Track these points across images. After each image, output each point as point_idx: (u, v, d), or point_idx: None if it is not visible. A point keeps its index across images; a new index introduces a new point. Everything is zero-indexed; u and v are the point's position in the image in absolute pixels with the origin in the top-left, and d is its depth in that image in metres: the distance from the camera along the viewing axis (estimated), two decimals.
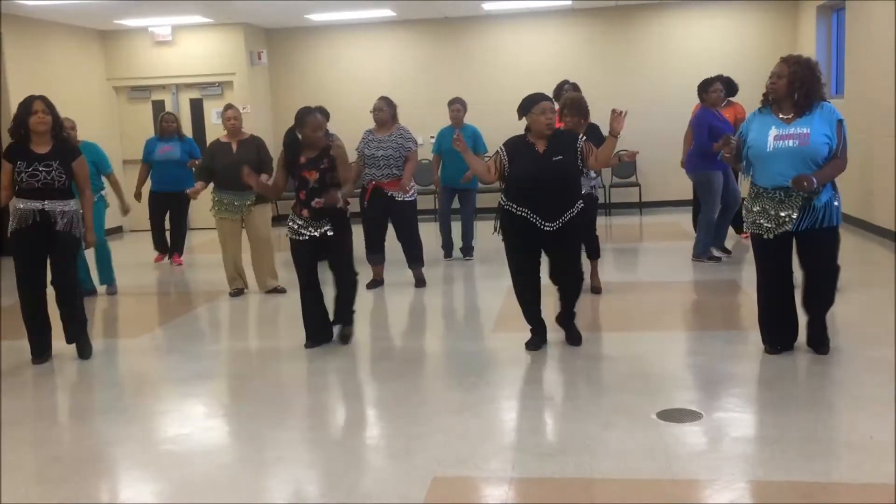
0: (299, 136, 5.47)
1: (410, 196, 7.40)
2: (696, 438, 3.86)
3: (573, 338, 5.39)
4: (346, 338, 5.69)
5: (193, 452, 4.00)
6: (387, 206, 7.29)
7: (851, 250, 8.43)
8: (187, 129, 11.92)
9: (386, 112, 7.33)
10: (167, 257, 9.45)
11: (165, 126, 9.21)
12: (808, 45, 11.38)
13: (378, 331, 6.37)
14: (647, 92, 12.30)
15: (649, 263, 8.53)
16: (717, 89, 7.65)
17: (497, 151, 5.21)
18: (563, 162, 5.04)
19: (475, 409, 4.36)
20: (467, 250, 8.69)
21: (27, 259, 5.33)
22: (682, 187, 12.26)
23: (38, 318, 5.44)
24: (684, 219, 10.94)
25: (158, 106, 12.68)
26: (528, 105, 5.11)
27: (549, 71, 11.66)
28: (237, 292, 7.49)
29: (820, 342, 4.95)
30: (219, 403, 4.78)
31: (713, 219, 7.79)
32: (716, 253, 7.95)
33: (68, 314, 5.48)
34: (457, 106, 8.61)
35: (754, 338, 5.19)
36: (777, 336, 4.99)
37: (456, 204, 8.68)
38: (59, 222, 5.26)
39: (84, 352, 5.57)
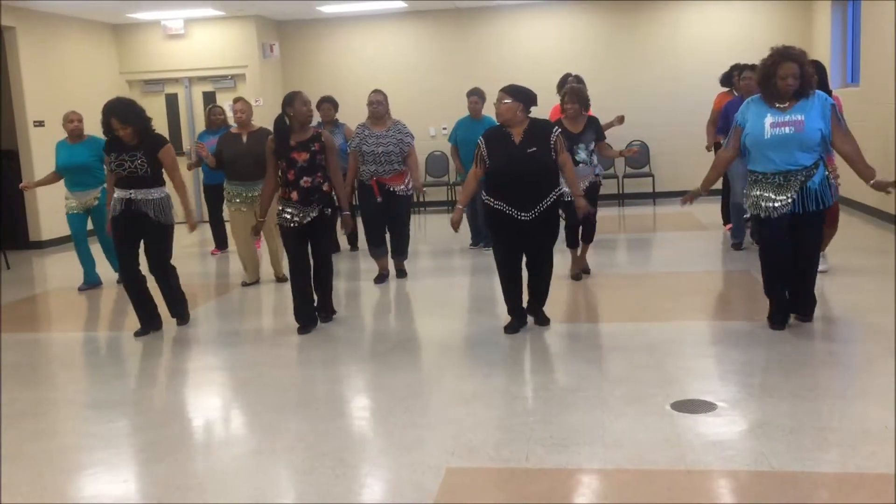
0: (287, 121, 5.67)
1: (409, 190, 7.41)
2: (710, 429, 3.85)
3: (542, 321, 5.65)
4: (326, 317, 6.06)
5: (207, 443, 4.04)
6: (388, 200, 7.28)
7: (867, 239, 8.39)
8: (199, 122, 11.98)
9: (384, 106, 7.28)
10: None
11: (214, 119, 9.29)
12: (824, 34, 11.30)
13: (390, 321, 6.38)
14: (659, 82, 12.25)
15: (663, 253, 8.50)
16: (747, 77, 7.70)
17: (478, 144, 5.38)
18: (538, 153, 5.21)
19: (488, 400, 4.36)
20: (489, 240, 8.67)
21: (121, 243, 5.91)
22: (695, 177, 12.20)
23: (139, 295, 6.02)
24: (697, 209, 10.87)
25: (172, 99, 12.73)
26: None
27: (560, 61, 11.64)
28: (247, 284, 7.57)
29: (808, 309, 5.32)
30: (231, 394, 4.80)
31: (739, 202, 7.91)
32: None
33: (167, 294, 6.12)
34: (474, 98, 8.58)
35: (768, 328, 5.26)
36: (780, 308, 5.26)
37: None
38: (148, 210, 5.78)
39: (183, 319, 6.28)
